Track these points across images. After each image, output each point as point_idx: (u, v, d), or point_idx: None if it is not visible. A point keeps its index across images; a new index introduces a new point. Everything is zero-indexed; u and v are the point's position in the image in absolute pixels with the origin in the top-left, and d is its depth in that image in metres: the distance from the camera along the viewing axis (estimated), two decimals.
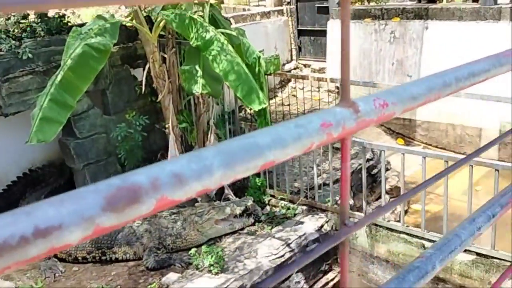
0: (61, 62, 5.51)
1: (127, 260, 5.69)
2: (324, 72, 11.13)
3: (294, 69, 11.60)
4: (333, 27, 10.38)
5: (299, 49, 11.88)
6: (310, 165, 7.06)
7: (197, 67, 5.59)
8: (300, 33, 11.78)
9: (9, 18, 6.11)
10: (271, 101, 9.12)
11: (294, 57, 11.79)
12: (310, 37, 11.73)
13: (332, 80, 7.96)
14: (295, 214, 6.23)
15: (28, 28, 6.21)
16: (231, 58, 5.27)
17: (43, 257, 0.38)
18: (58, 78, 4.83)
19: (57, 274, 5.44)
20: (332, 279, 5.90)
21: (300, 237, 5.70)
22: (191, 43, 5.46)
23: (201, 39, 5.35)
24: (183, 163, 0.45)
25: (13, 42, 5.86)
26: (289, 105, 10.21)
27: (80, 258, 5.70)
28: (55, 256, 5.70)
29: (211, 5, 6.37)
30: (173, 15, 5.59)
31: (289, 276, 5.47)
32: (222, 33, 5.67)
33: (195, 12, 6.15)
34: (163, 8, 5.96)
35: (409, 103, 0.69)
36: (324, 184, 6.54)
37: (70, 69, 4.79)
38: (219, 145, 0.49)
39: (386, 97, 0.66)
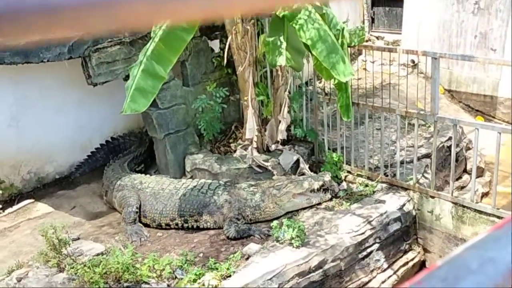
0: (147, 33, 5.61)
1: (207, 229, 5.84)
2: (398, 45, 10.67)
3: (366, 41, 11.19)
4: None
5: (372, 20, 11.45)
6: (386, 142, 6.87)
7: (281, 38, 5.49)
8: (374, 3, 11.32)
9: None
10: None
11: (366, 29, 11.38)
12: (384, 8, 11.26)
13: (406, 52, 7.45)
14: (374, 191, 6.11)
15: None
16: (318, 26, 5.12)
17: None
18: (149, 49, 4.91)
19: (142, 239, 5.67)
20: (412, 259, 5.78)
21: (381, 215, 5.60)
22: (277, 12, 5.36)
23: (289, 7, 5.23)
24: None
25: None
26: (360, 79, 9.95)
27: (163, 225, 5.91)
28: (140, 221, 5.95)
29: None
30: None
31: (370, 253, 5.41)
32: None
33: None
34: None
35: None
36: (404, 162, 6.34)
37: (161, 40, 4.85)
38: None
39: None
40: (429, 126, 7.02)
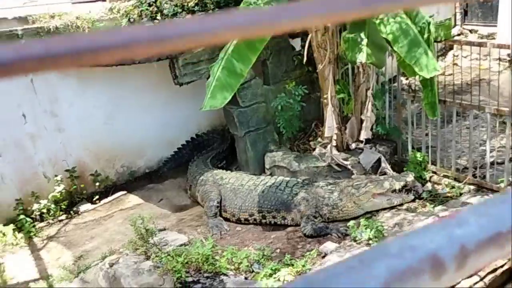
0: None
1: (285, 225, 5.91)
2: (494, 38, 9.96)
3: (458, 35, 10.58)
4: None
5: (465, 12, 10.78)
6: (476, 142, 6.47)
7: (362, 34, 5.39)
8: None
9: None
10: None
11: (458, 22, 10.75)
12: None
13: (498, 46, 6.89)
14: (461, 194, 5.78)
15: (199, 2, 6.62)
16: (400, 20, 4.94)
17: None
18: (230, 48, 5.07)
19: (223, 232, 5.89)
20: (501, 266, 5.38)
21: None
22: None
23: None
24: None
25: (188, 15, 6.31)
26: (450, 74, 9.42)
27: (242, 219, 6.08)
28: (221, 215, 6.17)
29: None
30: None
31: None
32: None
33: None
34: None
35: None
36: (495, 163, 5.92)
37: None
38: None
39: None
40: None
